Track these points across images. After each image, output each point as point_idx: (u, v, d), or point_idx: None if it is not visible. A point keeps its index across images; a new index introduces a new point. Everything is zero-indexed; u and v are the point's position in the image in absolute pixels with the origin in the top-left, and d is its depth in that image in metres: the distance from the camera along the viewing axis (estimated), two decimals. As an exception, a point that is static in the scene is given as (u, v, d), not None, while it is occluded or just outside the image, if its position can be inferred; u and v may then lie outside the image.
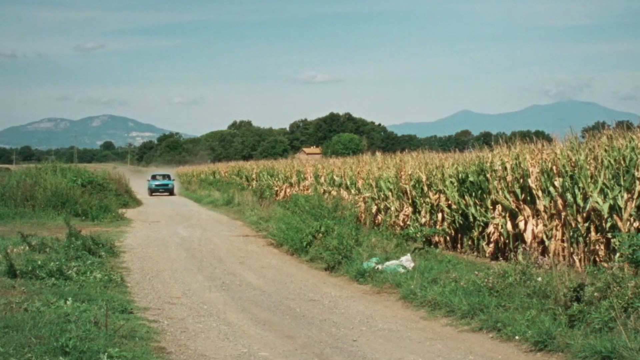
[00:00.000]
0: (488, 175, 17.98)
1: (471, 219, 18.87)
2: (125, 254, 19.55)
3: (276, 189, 39.84)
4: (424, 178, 21.33)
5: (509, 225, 16.99)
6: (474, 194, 18.80)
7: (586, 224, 14.61)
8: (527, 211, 16.37)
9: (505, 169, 17.45)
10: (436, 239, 19.95)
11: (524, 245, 15.59)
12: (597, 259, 14.18)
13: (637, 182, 13.56)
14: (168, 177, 61.87)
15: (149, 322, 11.11)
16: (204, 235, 24.89)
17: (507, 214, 17.17)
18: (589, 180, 14.47)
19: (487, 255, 17.79)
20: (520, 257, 13.84)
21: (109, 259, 17.60)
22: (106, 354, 8.44)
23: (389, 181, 23.55)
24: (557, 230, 15.37)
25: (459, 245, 19.59)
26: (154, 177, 61.15)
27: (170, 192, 57.67)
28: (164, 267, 17.45)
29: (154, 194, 56.75)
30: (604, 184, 14.16)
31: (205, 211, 37.94)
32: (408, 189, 22.12)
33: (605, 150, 14.50)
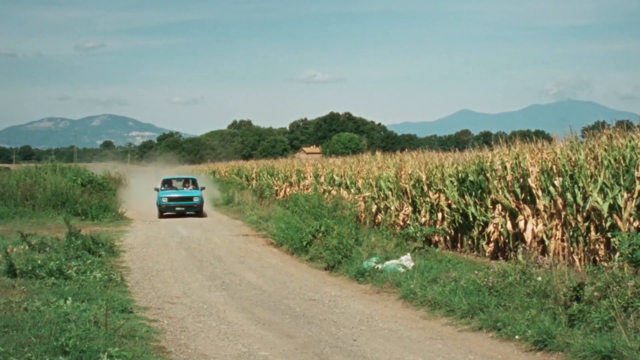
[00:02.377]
0: (488, 175, 17.98)
1: (471, 218, 18.87)
2: (125, 254, 19.56)
3: (276, 188, 39.84)
4: (423, 177, 21.34)
5: (509, 225, 16.99)
6: (473, 193, 18.80)
7: (586, 224, 14.60)
8: (527, 211, 16.36)
9: (505, 168, 17.45)
10: (436, 238, 19.94)
11: (523, 245, 15.59)
12: (597, 258, 14.18)
13: (637, 181, 13.55)
14: (193, 183, 35.67)
15: (148, 322, 11.11)
16: (203, 234, 24.89)
17: (507, 214, 17.17)
18: (588, 179, 14.47)
19: (487, 254, 17.79)
20: (520, 257, 13.84)
21: (109, 259, 17.60)
22: (106, 353, 8.44)
23: (388, 181, 23.56)
24: (557, 229, 15.37)
25: (458, 245, 19.59)
26: (167, 184, 35.68)
27: (198, 212, 33.40)
28: (164, 267, 17.45)
29: (166, 213, 33.10)
30: (603, 183, 14.16)
31: (205, 210, 37.92)
32: (408, 189, 22.12)
33: (605, 150, 14.50)
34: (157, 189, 34.56)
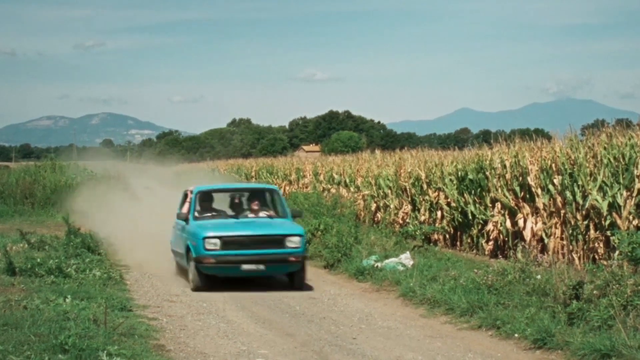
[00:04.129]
0: (487, 173, 17.98)
1: (470, 216, 18.86)
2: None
3: (275, 186, 39.80)
4: (423, 176, 21.34)
5: (508, 223, 17.00)
6: (473, 191, 18.81)
7: (585, 222, 14.61)
8: (527, 209, 16.37)
9: (505, 166, 17.46)
10: (435, 236, 19.94)
11: (523, 243, 15.59)
12: (597, 256, 14.19)
13: (636, 180, 13.57)
14: (270, 199, 15.60)
15: (148, 320, 11.10)
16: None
17: (507, 212, 17.18)
18: (588, 178, 14.47)
19: (486, 253, 17.80)
20: (519, 255, 13.84)
21: (108, 257, 17.58)
22: (105, 351, 8.42)
23: (388, 179, 23.56)
24: (556, 228, 15.38)
25: (458, 243, 19.59)
26: (203, 204, 15.25)
27: (294, 275, 13.92)
28: (164, 265, 17.40)
29: (220, 275, 13.78)
30: (603, 181, 14.16)
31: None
32: (407, 187, 22.12)
33: (605, 148, 14.50)
34: (184, 218, 15.35)
